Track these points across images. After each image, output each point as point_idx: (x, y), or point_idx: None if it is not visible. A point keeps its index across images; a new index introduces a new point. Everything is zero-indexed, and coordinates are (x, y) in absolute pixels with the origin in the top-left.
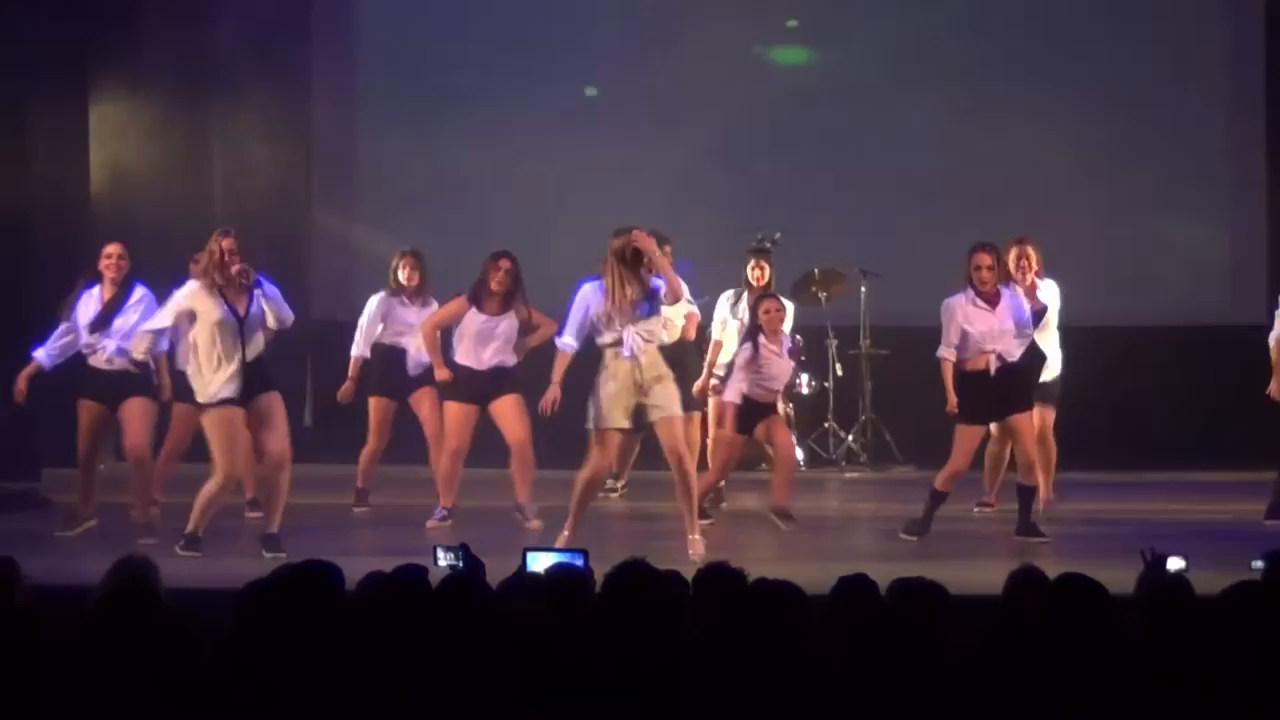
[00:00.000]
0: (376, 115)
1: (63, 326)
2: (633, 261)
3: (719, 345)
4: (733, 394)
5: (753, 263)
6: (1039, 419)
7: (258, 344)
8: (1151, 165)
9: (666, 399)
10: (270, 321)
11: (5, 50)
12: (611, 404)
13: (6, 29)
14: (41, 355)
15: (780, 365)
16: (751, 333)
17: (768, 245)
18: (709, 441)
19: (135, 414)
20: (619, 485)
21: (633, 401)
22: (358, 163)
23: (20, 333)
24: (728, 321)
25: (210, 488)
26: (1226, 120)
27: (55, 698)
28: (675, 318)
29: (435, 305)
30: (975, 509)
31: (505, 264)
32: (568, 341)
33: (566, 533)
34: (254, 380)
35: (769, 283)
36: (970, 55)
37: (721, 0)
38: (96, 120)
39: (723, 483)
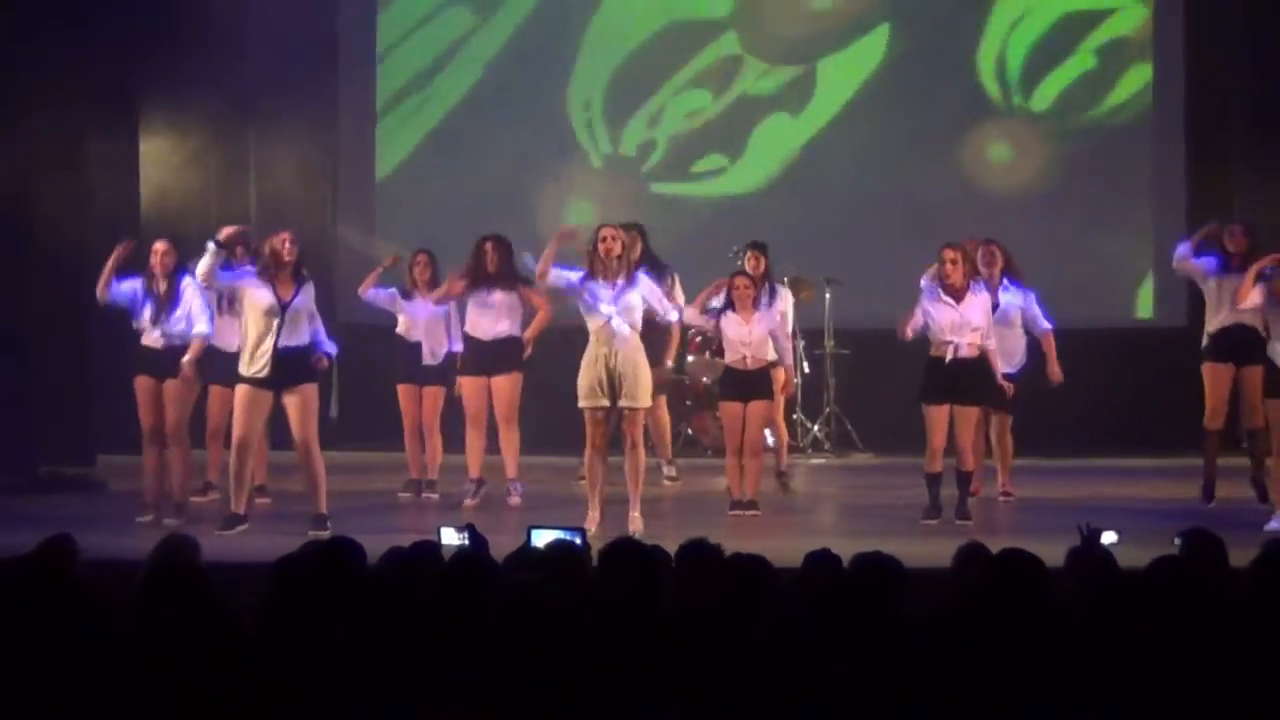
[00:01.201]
0: (395, 140)
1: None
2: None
3: (696, 341)
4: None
5: (749, 254)
6: (998, 423)
7: (299, 334)
8: (1085, 185)
9: (637, 389)
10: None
11: (64, 88)
12: (584, 382)
13: (65, 69)
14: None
15: (741, 332)
16: (725, 306)
17: (758, 244)
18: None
19: (173, 396)
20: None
21: (601, 376)
22: (378, 182)
23: (80, 343)
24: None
25: (230, 462)
26: (1151, 146)
27: (109, 662)
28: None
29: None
30: (999, 499)
31: (486, 244)
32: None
33: (593, 513)
34: (288, 369)
35: (765, 273)
36: (923, 88)
37: (705, 37)
38: (145, 150)
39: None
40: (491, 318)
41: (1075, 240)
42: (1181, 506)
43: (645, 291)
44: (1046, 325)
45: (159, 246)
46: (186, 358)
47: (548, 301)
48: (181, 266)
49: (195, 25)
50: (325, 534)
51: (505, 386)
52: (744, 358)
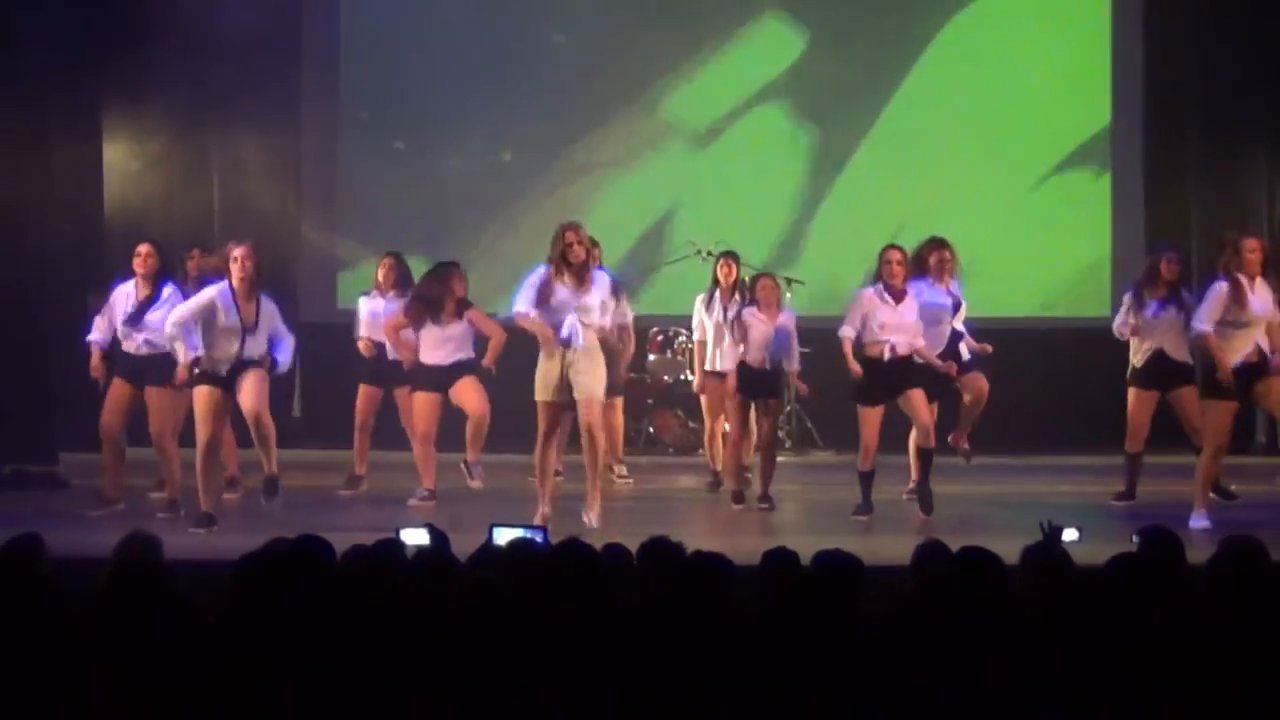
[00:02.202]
0: (357, 140)
1: (100, 316)
2: (563, 258)
3: (702, 344)
4: (729, 362)
5: (721, 262)
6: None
7: (259, 347)
8: (1042, 180)
9: (591, 384)
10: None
11: (30, 90)
12: (541, 377)
13: (31, 72)
14: (96, 337)
15: (761, 331)
16: (749, 303)
17: (722, 249)
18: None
19: (155, 403)
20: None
21: (556, 374)
22: (340, 183)
23: (42, 341)
24: (705, 322)
25: (196, 463)
26: (1109, 142)
27: (75, 659)
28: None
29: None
30: (904, 495)
31: (441, 271)
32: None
33: (542, 508)
34: (242, 369)
35: (737, 280)
36: (878, 88)
37: (665, 36)
38: (109, 151)
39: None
40: (449, 349)
41: (1031, 235)
42: (1140, 504)
43: (604, 295)
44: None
45: (142, 248)
46: (179, 376)
47: (498, 326)
48: (163, 271)
49: (158, 27)
50: (277, 499)
51: (469, 387)
52: (764, 359)
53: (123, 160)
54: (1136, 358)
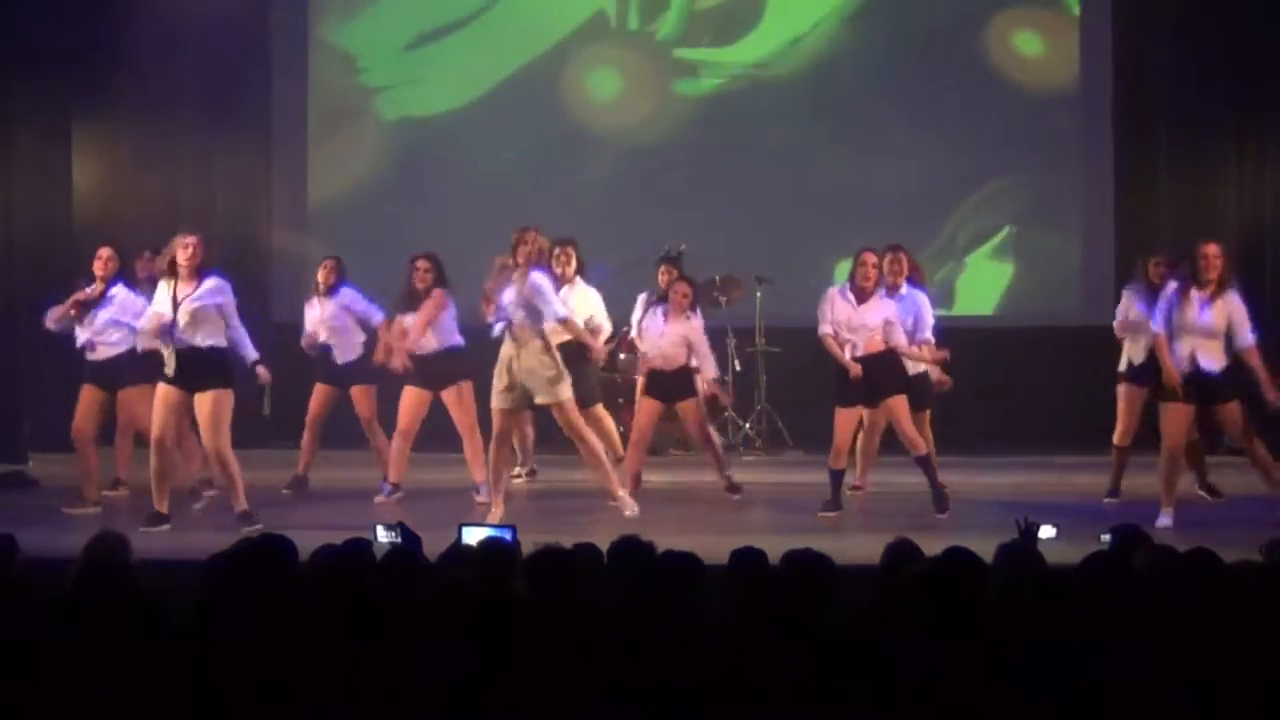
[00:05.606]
0: (328, 144)
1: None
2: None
3: (628, 339)
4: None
5: (662, 269)
6: (917, 420)
7: (197, 335)
8: (1013, 182)
9: (548, 385)
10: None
11: None
12: (495, 381)
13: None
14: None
15: (652, 334)
16: (657, 302)
17: (674, 254)
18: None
19: (134, 402)
20: (522, 470)
21: (506, 378)
22: (310, 186)
23: (11, 343)
24: (643, 321)
25: (150, 460)
26: (1080, 143)
27: (48, 658)
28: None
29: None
30: (847, 491)
31: (421, 264)
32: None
33: (494, 509)
34: (195, 370)
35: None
36: (853, 87)
37: (637, 38)
38: (78, 155)
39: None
40: (430, 336)
41: (1001, 237)
42: (1109, 504)
43: (529, 293)
44: (927, 335)
45: (102, 252)
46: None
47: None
48: (119, 275)
49: (128, 35)
50: (256, 528)
51: (454, 399)
52: (660, 359)
53: (91, 163)
54: (1138, 354)
